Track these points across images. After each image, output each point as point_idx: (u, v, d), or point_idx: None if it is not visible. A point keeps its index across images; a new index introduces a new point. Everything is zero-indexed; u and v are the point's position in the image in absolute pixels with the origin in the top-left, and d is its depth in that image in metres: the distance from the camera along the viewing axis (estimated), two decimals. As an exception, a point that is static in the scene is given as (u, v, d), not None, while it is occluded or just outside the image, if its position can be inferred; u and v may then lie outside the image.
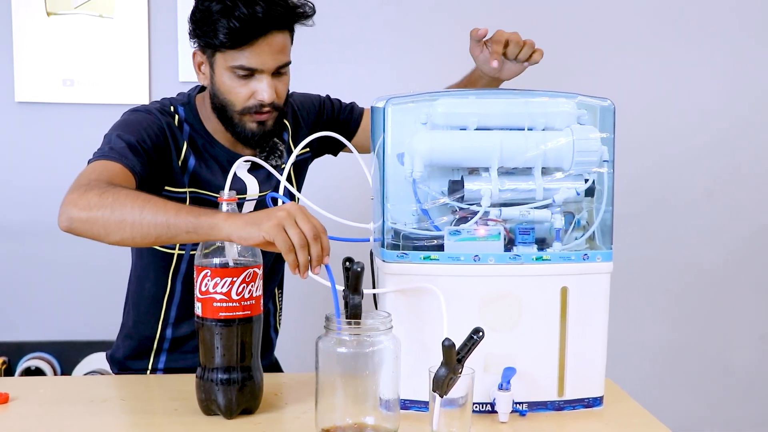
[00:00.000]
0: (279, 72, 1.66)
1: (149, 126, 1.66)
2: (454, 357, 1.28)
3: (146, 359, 1.81)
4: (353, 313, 1.34)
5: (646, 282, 2.91)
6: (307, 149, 1.84)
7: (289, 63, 1.69)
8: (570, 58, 2.81)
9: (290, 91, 1.81)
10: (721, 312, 2.95)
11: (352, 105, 1.96)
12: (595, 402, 1.51)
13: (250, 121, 1.67)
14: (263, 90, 1.64)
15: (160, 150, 1.66)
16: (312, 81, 1.97)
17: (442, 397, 1.30)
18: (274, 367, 1.93)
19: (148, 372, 1.81)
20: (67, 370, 2.62)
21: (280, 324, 1.95)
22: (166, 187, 1.68)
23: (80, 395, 1.57)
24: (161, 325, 1.79)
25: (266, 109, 1.66)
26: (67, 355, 2.62)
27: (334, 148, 1.91)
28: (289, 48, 1.68)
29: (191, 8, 1.67)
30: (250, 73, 1.63)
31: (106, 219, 1.43)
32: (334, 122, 1.92)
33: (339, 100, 1.96)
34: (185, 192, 1.69)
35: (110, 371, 1.91)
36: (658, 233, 2.91)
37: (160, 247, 1.73)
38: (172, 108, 1.73)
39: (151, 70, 2.67)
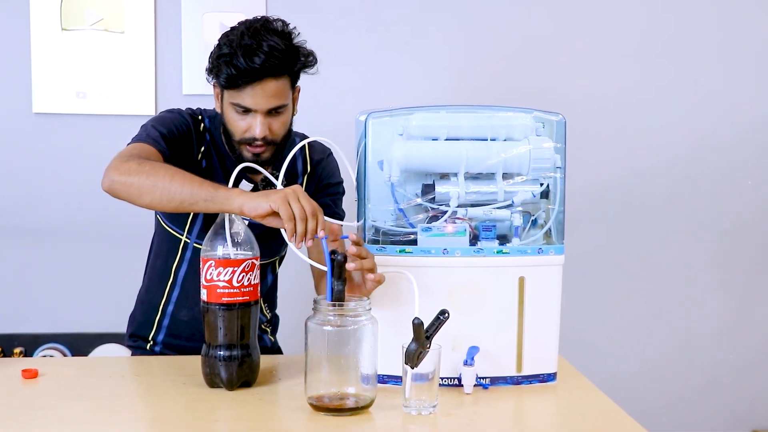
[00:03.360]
0: (275, 111, 1.85)
1: (179, 123, 1.92)
2: (423, 334, 1.50)
3: (150, 329, 2.05)
4: (337, 297, 1.56)
5: (611, 281, 3.12)
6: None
7: (285, 105, 1.86)
8: (545, 74, 3.02)
9: (329, 152, 2.05)
10: (682, 310, 3.16)
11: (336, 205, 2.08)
12: (549, 377, 1.72)
13: (245, 150, 1.88)
14: (256, 126, 1.84)
15: (185, 144, 1.91)
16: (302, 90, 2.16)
17: (413, 368, 1.52)
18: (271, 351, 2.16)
19: (150, 341, 2.05)
20: (78, 359, 2.83)
21: (274, 338, 2.17)
22: None
23: (100, 372, 1.79)
24: (163, 303, 2.03)
25: (258, 142, 1.86)
26: (78, 346, 2.83)
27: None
28: (287, 91, 1.85)
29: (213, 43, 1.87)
30: (246, 110, 1.84)
31: (141, 183, 1.68)
32: (320, 189, 2.07)
33: (340, 198, 2.10)
34: None
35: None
36: (623, 236, 3.11)
37: (172, 229, 1.97)
38: (200, 116, 1.98)
39: (157, 83, 2.88)
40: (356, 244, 1.60)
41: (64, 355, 2.81)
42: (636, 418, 1.57)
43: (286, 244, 2.07)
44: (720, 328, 3.17)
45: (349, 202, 1.95)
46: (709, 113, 3.11)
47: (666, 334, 3.16)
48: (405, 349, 1.51)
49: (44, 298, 2.93)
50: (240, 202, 1.60)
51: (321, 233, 1.59)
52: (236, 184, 1.71)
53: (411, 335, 1.51)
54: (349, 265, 1.58)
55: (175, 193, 1.66)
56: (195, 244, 1.96)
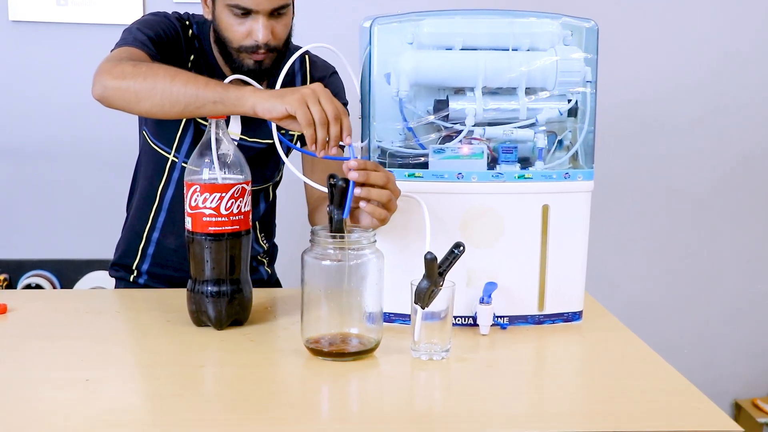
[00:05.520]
0: (278, 13, 1.65)
1: (167, 27, 1.72)
2: (436, 270, 1.32)
3: (134, 258, 1.87)
4: (338, 227, 1.37)
5: (633, 205, 2.94)
6: None
7: (288, 5, 1.67)
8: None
9: (333, 71, 1.86)
10: (708, 237, 2.99)
11: None
12: (574, 316, 1.55)
13: (247, 58, 1.68)
14: (258, 30, 1.64)
15: (174, 50, 1.72)
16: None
17: (423, 308, 1.34)
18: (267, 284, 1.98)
19: (133, 270, 1.87)
20: (66, 287, 2.67)
21: (272, 269, 1.99)
22: None
23: (76, 307, 1.62)
24: (148, 229, 1.85)
25: (261, 50, 1.66)
26: (66, 273, 2.67)
27: None
28: None
29: None
30: (246, 12, 1.63)
31: (138, 86, 1.49)
32: None
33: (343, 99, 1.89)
34: None
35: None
36: (647, 157, 2.93)
37: (158, 147, 1.78)
38: (188, 22, 1.77)
39: (146, -10, 2.67)
40: (361, 167, 1.38)
41: (51, 283, 2.65)
42: (659, 347, 1.44)
43: (281, 169, 1.89)
44: (749, 255, 3.00)
45: (352, 121, 1.75)
46: (742, 30, 2.88)
47: (691, 260, 2.99)
48: (415, 288, 1.34)
49: (28, 223, 2.76)
50: (252, 102, 1.42)
51: (347, 139, 1.40)
52: None
53: (421, 270, 1.33)
54: (361, 204, 1.39)
55: (179, 95, 1.47)
56: (184, 164, 1.76)
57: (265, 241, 1.94)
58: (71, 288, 2.66)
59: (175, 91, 1.47)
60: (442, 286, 1.34)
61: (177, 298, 1.61)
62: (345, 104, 1.86)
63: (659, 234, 2.97)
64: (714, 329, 3.02)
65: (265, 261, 1.95)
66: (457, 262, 1.35)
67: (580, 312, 1.56)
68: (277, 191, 1.96)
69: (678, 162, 2.93)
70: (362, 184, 1.37)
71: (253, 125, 1.76)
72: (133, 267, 1.87)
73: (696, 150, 2.93)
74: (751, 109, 2.93)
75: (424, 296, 1.33)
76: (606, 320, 1.59)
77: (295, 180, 1.55)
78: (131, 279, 1.88)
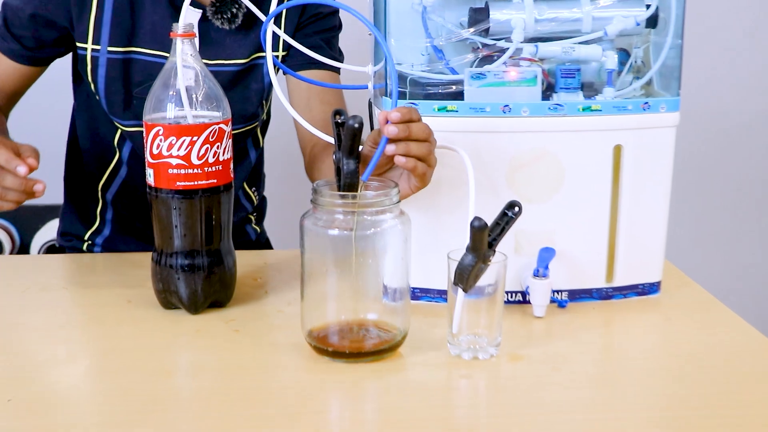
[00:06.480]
0: None
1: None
2: (486, 241, 0.97)
3: (87, 225, 1.53)
4: (349, 183, 1.02)
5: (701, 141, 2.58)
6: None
7: None
8: None
9: None
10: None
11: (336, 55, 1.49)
12: (651, 289, 1.21)
13: None
14: None
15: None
16: None
17: (466, 291, 1.00)
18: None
19: (86, 241, 1.52)
20: (26, 237, 2.32)
21: (261, 227, 1.63)
22: (79, 44, 1.37)
23: (13, 283, 1.26)
24: (102, 185, 1.50)
25: None
26: (26, 221, 2.32)
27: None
28: None
29: None
30: None
31: None
32: (305, 24, 1.47)
33: (336, 35, 1.50)
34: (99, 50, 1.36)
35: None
36: (693, 79, 2.56)
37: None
38: None
39: None
40: (405, 120, 1.01)
41: (9, 234, 2.30)
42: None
43: (264, 104, 1.51)
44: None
45: (359, 38, 1.38)
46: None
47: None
48: (457, 265, 0.99)
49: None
50: None
51: (29, 160, 1.12)
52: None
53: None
54: (398, 159, 1.02)
55: None
56: (121, 126, 1.40)
57: (256, 195, 1.58)
58: (32, 237, 2.31)
59: None
60: (491, 261, 0.99)
61: (144, 266, 1.25)
62: (334, 12, 1.47)
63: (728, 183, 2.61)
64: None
65: (252, 218, 1.59)
66: (510, 228, 0.99)
67: (659, 283, 1.21)
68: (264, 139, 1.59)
69: (727, 83, 2.55)
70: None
71: (218, 40, 1.38)
72: (85, 237, 1.51)
73: (749, 69, 2.56)
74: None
75: (468, 276, 0.98)
76: (691, 292, 1.25)
77: (281, 110, 1.18)
78: (84, 248, 1.52)
